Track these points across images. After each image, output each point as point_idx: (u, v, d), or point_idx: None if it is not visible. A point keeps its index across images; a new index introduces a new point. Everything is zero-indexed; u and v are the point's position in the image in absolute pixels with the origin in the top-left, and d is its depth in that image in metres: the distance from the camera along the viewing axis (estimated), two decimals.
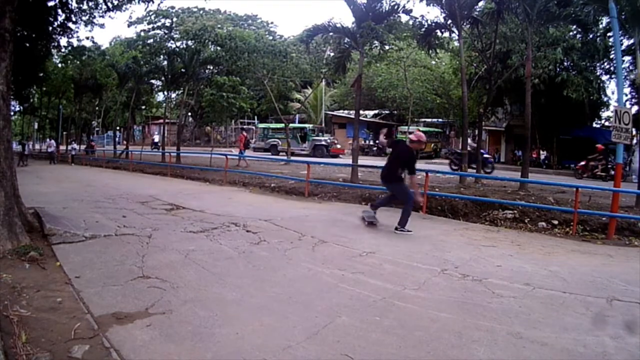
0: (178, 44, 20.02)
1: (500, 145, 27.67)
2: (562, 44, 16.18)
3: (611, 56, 17.55)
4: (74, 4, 12.71)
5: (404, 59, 15.57)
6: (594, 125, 24.71)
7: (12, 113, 7.16)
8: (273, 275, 4.07)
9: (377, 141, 28.62)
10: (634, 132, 10.45)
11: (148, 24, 20.67)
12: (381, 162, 19.81)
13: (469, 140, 13.46)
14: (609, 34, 15.59)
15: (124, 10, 12.19)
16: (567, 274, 4.40)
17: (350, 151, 16.76)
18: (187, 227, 5.96)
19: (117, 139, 28.29)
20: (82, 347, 2.58)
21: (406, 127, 22.28)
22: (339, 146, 25.51)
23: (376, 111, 32.88)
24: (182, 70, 20.03)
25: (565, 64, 19.08)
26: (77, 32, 15.31)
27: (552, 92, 18.82)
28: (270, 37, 26.33)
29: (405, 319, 3.18)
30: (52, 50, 17.45)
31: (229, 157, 14.27)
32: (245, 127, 34.86)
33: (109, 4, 11.92)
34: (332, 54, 20.68)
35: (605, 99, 23.00)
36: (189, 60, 18.96)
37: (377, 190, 9.29)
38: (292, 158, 18.23)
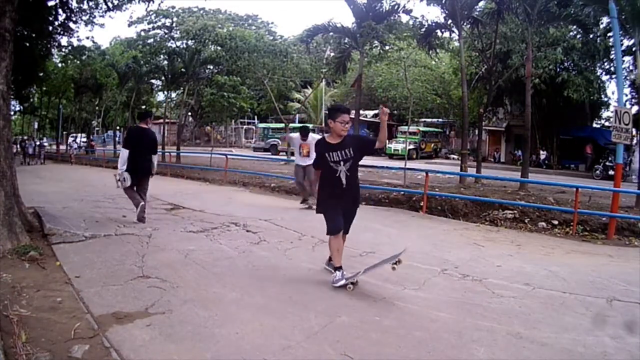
0: (178, 43, 19.94)
1: (500, 145, 27.68)
2: (563, 44, 16.20)
3: (611, 56, 17.58)
4: (74, 4, 12.69)
5: (404, 59, 15.57)
6: (594, 125, 24.75)
7: (12, 113, 7.14)
8: (273, 275, 4.06)
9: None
10: (634, 132, 10.44)
11: (148, 23, 20.56)
12: (381, 162, 19.81)
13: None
14: (609, 34, 15.59)
15: (124, 10, 12.17)
16: (567, 274, 4.39)
17: None
18: (187, 227, 5.96)
19: (117, 139, 28.30)
20: (82, 347, 2.58)
21: (406, 127, 22.29)
22: None
23: (376, 111, 32.81)
24: (182, 70, 20.00)
25: (566, 64, 19.11)
26: (77, 31, 15.29)
27: (552, 92, 18.87)
28: (271, 37, 26.27)
29: (405, 319, 3.18)
30: (52, 50, 17.42)
31: (229, 157, 14.28)
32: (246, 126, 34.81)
33: (109, 4, 11.90)
34: (332, 54, 20.68)
35: (606, 99, 23.06)
36: (189, 60, 18.94)
37: (377, 190, 9.29)
38: (292, 158, 18.22)
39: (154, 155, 6.34)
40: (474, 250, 5.35)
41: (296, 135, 8.24)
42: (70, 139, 28.92)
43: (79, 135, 33.39)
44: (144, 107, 34.13)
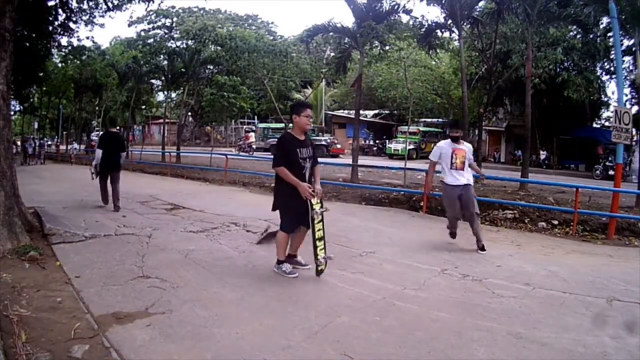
0: (178, 43, 19.96)
1: (500, 145, 27.68)
2: (563, 44, 16.20)
3: (611, 56, 17.59)
4: (74, 4, 12.72)
5: (404, 59, 15.54)
6: (594, 125, 24.74)
7: (12, 113, 7.15)
8: (273, 275, 4.07)
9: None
10: (634, 132, 10.43)
11: (148, 23, 20.59)
12: (381, 162, 19.72)
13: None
14: (609, 34, 15.60)
15: (124, 10, 12.18)
16: (567, 274, 4.39)
17: (350, 151, 16.77)
18: (187, 227, 5.96)
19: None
20: (82, 347, 2.58)
21: (406, 127, 22.27)
22: (339, 146, 25.52)
23: (376, 111, 32.87)
24: (182, 70, 19.99)
25: (566, 64, 19.10)
26: (77, 31, 15.24)
27: (552, 92, 18.85)
28: (271, 37, 26.29)
29: (405, 319, 3.18)
30: (52, 50, 17.43)
31: (229, 157, 14.28)
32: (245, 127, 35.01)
33: (109, 4, 11.91)
34: (332, 54, 20.68)
35: (606, 99, 23.06)
36: (189, 60, 18.92)
37: (377, 190, 9.29)
38: None
39: (122, 152, 7.79)
40: (474, 250, 5.34)
41: (444, 143, 5.43)
42: (73, 145, 28.80)
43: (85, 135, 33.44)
44: (144, 107, 34.20)
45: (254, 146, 25.13)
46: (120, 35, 31.06)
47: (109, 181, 7.35)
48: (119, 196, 7.23)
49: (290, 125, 4.13)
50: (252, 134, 26.99)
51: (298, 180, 3.77)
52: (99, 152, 7.29)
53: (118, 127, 32.09)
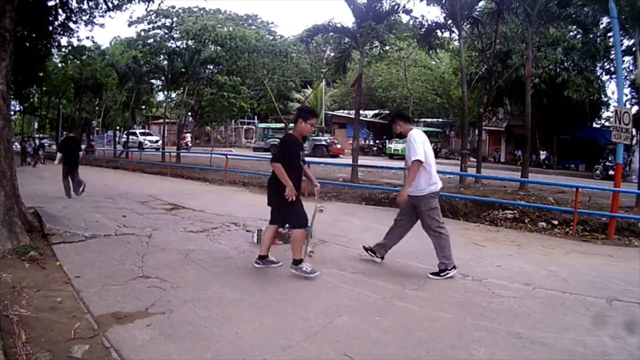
0: (178, 43, 19.93)
1: (500, 145, 27.68)
2: (563, 44, 16.18)
3: (611, 56, 17.56)
4: (74, 4, 12.68)
5: (404, 59, 15.57)
6: (594, 125, 24.73)
7: (12, 113, 7.19)
8: (273, 276, 4.07)
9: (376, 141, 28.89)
10: (634, 132, 10.43)
11: (148, 23, 20.56)
12: (381, 162, 19.67)
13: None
14: (609, 34, 15.59)
15: (124, 10, 12.15)
16: (567, 274, 4.40)
17: (350, 151, 16.77)
18: (187, 227, 5.97)
19: (117, 139, 28.40)
20: (82, 347, 2.58)
21: None
22: (339, 146, 25.51)
23: (376, 111, 32.84)
24: (182, 70, 19.99)
25: (566, 64, 19.08)
26: (77, 31, 15.25)
27: (552, 92, 18.84)
28: (271, 37, 26.28)
29: (405, 319, 3.18)
30: (52, 50, 17.42)
31: (229, 157, 14.29)
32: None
33: (109, 4, 11.89)
34: (332, 54, 20.67)
35: (606, 99, 23.03)
36: (189, 60, 18.92)
37: (377, 190, 9.29)
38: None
39: (79, 152, 9.59)
40: (474, 250, 5.35)
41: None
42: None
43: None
44: (143, 107, 34.18)
45: (189, 144, 28.94)
46: (120, 35, 31.01)
47: (69, 177, 8.75)
48: (80, 185, 8.73)
49: (291, 125, 4.20)
50: (188, 134, 31.44)
51: (289, 181, 3.90)
52: (59, 155, 9.04)
53: (118, 127, 32.50)
